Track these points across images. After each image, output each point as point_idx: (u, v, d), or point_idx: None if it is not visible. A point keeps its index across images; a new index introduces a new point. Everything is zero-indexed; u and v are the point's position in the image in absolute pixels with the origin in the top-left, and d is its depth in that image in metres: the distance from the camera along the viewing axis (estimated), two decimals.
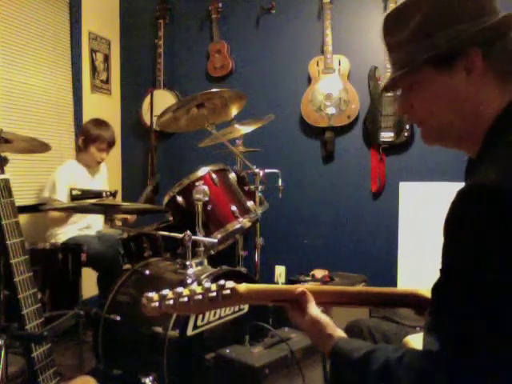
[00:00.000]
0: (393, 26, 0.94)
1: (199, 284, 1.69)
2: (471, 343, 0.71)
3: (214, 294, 0.89)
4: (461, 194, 0.75)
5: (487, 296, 0.70)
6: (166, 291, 0.89)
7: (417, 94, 0.92)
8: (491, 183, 0.72)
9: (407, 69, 0.90)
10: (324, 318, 0.92)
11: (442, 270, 0.78)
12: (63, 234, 2.77)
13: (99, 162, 2.97)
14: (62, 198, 2.73)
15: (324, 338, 0.91)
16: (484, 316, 0.70)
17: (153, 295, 0.89)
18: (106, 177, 3.17)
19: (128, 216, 2.88)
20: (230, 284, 0.91)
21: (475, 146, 0.87)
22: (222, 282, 0.90)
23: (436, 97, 0.89)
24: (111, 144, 2.95)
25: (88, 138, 2.89)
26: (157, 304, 0.89)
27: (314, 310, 0.93)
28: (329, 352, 0.89)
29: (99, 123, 2.98)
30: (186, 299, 0.89)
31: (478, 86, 0.86)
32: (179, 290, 0.90)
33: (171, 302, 0.89)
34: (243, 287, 0.92)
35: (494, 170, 0.75)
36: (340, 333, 0.92)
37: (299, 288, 0.95)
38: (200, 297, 0.89)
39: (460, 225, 0.74)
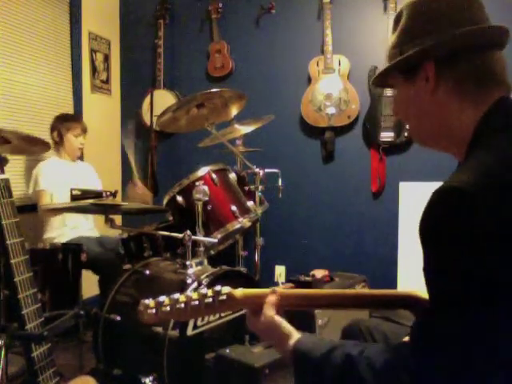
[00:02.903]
0: (393, 28, 0.98)
1: (199, 284, 1.68)
2: (444, 343, 0.72)
3: (211, 299, 0.89)
4: (432, 196, 0.77)
5: (462, 294, 0.71)
6: (162, 298, 0.89)
7: (396, 96, 0.98)
8: (459, 184, 0.73)
9: (382, 71, 0.96)
10: (278, 319, 0.90)
11: (423, 270, 0.79)
12: (61, 236, 2.77)
13: (80, 149, 2.98)
14: (47, 187, 2.75)
15: (281, 338, 0.89)
16: (458, 315, 0.71)
17: (149, 302, 0.90)
18: (95, 177, 3.14)
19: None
20: (225, 289, 0.91)
21: (461, 155, 0.89)
22: (218, 287, 0.90)
23: (405, 102, 0.95)
24: (84, 130, 2.99)
25: (60, 129, 2.93)
26: (153, 311, 0.89)
27: (269, 311, 0.90)
28: (290, 353, 0.87)
29: (66, 115, 3.07)
30: (182, 305, 0.89)
31: (439, 98, 0.89)
32: (175, 296, 0.90)
33: (168, 308, 0.89)
34: (239, 292, 0.92)
35: (466, 172, 0.77)
36: (297, 333, 0.90)
37: (271, 288, 0.93)
38: (196, 303, 0.89)
39: (430, 226, 0.76)
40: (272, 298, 0.91)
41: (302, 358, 0.86)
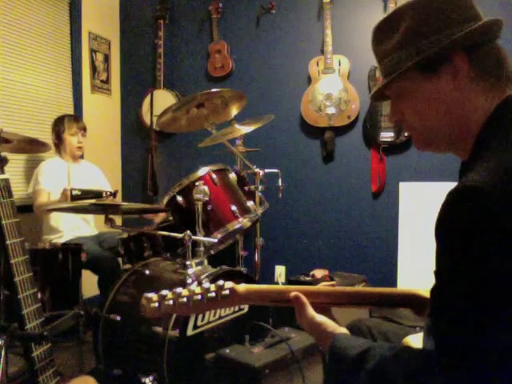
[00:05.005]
0: (381, 35, 0.96)
1: (199, 284, 1.69)
2: (465, 344, 0.71)
3: (213, 294, 0.89)
4: (450, 196, 0.75)
5: (479, 296, 0.71)
6: (165, 292, 0.89)
7: (406, 101, 0.93)
8: (479, 184, 0.72)
9: (394, 75, 0.91)
10: (321, 319, 0.93)
11: (435, 273, 0.78)
12: (60, 238, 2.77)
13: (79, 148, 2.98)
14: (46, 186, 2.75)
15: (324, 337, 0.91)
16: (476, 315, 0.71)
17: (152, 296, 0.89)
18: (99, 176, 3.14)
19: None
20: (228, 284, 0.91)
21: (466, 150, 0.88)
22: (220, 282, 0.90)
23: (424, 102, 0.91)
24: (81, 128, 2.99)
25: (58, 131, 2.94)
26: (156, 305, 0.88)
27: (310, 311, 0.93)
28: (327, 349, 0.89)
29: (62, 116, 3.06)
30: (185, 300, 0.89)
31: (463, 90, 0.87)
32: (178, 290, 0.89)
33: (171, 302, 0.89)
34: (242, 287, 0.92)
35: (482, 171, 0.76)
36: (341, 330, 0.92)
37: (292, 293, 0.95)
38: (199, 297, 0.89)
39: (449, 226, 0.75)
40: (304, 300, 0.94)
41: (337, 356, 0.87)
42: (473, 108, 0.87)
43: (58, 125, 2.94)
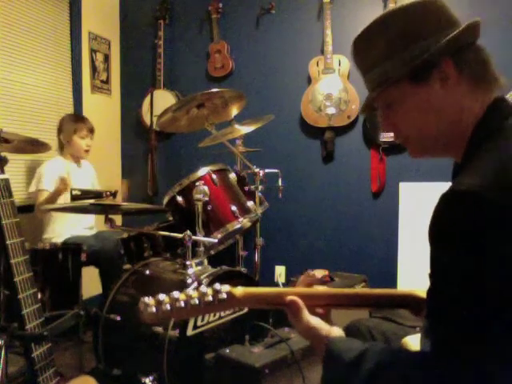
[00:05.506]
0: (365, 46, 0.96)
1: (199, 284, 1.69)
2: (462, 345, 0.71)
3: (210, 298, 0.89)
4: (443, 199, 0.76)
5: (476, 298, 0.71)
6: (162, 296, 0.89)
7: (397, 111, 0.93)
8: (473, 188, 0.73)
9: (385, 86, 0.91)
10: (316, 322, 0.91)
11: (430, 275, 0.78)
12: (60, 235, 2.78)
13: (87, 151, 2.97)
14: (48, 187, 2.75)
15: (319, 340, 0.90)
16: (471, 317, 0.71)
17: (149, 301, 0.89)
18: (95, 176, 3.15)
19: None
20: (225, 288, 0.90)
21: (460, 152, 0.89)
22: (217, 286, 0.90)
23: (416, 110, 0.91)
24: (91, 130, 2.98)
25: (67, 131, 2.92)
26: (153, 310, 0.88)
27: (306, 316, 0.91)
28: (322, 353, 0.88)
29: (72, 116, 3.07)
30: (182, 304, 0.88)
31: (454, 94, 0.88)
32: (175, 295, 0.89)
33: (168, 307, 0.88)
34: (239, 291, 0.92)
35: (475, 175, 0.76)
36: (336, 333, 0.91)
37: (288, 297, 0.94)
38: (196, 301, 0.88)
39: (444, 229, 0.75)
40: (300, 304, 0.92)
41: (332, 360, 0.86)
42: (465, 111, 0.88)
43: (67, 125, 2.93)
